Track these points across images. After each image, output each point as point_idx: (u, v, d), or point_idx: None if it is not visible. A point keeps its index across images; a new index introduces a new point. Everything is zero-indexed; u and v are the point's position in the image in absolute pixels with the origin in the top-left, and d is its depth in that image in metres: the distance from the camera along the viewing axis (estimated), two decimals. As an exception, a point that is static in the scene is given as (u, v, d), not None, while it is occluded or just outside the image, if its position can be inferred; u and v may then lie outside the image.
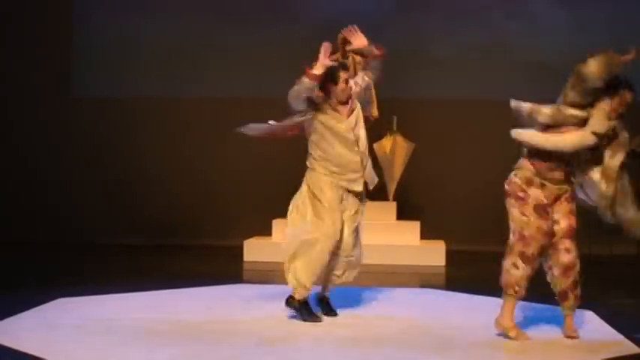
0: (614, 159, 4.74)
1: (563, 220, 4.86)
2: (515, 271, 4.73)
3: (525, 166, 4.84)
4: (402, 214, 8.76)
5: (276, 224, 8.30)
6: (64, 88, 9.94)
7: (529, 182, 4.80)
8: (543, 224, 4.73)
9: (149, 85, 9.78)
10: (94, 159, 9.79)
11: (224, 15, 9.77)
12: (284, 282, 5.55)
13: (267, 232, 8.46)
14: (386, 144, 8.71)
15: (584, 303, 5.68)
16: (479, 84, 9.39)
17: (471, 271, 7.18)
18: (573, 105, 4.75)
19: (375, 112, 8.76)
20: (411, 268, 7.93)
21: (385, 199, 8.85)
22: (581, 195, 4.94)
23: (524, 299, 5.01)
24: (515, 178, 4.84)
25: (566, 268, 4.84)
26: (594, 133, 4.70)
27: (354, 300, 5.99)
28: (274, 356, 4.34)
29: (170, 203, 9.57)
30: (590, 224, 8.50)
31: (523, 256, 4.72)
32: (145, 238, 9.37)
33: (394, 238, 8.36)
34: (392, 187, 8.82)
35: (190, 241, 9.28)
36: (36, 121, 9.90)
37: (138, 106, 9.72)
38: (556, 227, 4.83)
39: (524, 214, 4.75)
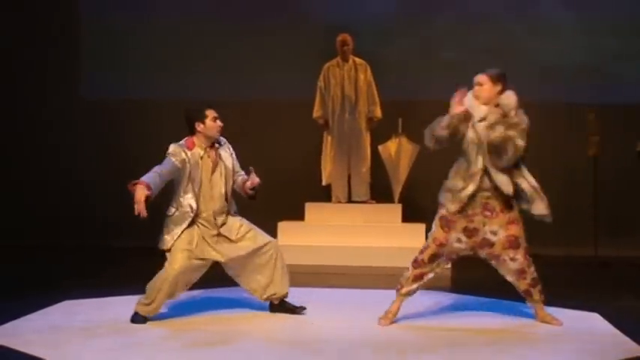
0: None
1: (501, 231, 5.04)
2: (405, 272, 5.20)
3: (443, 189, 5.18)
4: (408, 217, 8.75)
5: (281, 226, 8.34)
6: (74, 89, 9.95)
7: (454, 190, 5.06)
8: (440, 236, 5.07)
9: (163, 87, 9.73)
10: (102, 161, 9.78)
11: (234, 17, 9.77)
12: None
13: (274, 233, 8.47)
14: (391, 146, 8.71)
15: (590, 305, 5.69)
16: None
17: (477, 273, 7.14)
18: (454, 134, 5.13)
19: (378, 112, 8.78)
20: (417, 271, 7.89)
21: (391, 201, 8.86)
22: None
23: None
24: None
25: (519, 273, 5.08)
26: (482, 119, 5.04)
27: (359, 302, 5.99)
28: (277, 358, 4.35)
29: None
30: (596, 227, 8.53)
31: (415, 261, 5.16)
32: (155, 241, 9.34)
33: (400, 241, 8.35)
34: (397, 190, 8.82)
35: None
36: (44, 122, 9.90)
37: (153, 107, 9.67)
38: (495, 239, 5.03)
39: (432, 226, 5.15)
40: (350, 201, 8.91)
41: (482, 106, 5.03)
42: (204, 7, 9.84)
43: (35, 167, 9.88)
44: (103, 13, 9.95)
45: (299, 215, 8.81)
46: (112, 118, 9.79)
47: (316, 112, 8.84)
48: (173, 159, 5.14)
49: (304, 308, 5.43)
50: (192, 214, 5.16)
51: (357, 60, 8.80)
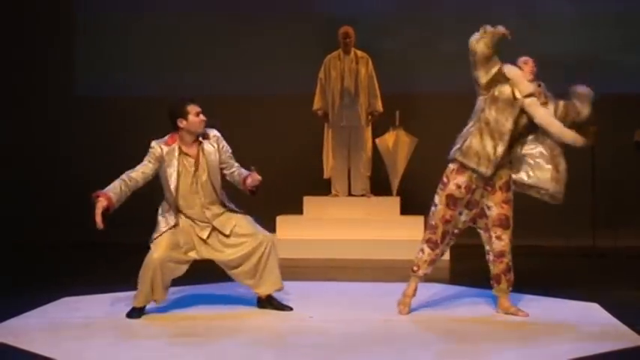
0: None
1: (495, 208, 5.08)
2: (420, 254, 5.18)
3: (467, 152, 5.05)
4: (406, 209, 8.75)
5: (280, 220, 8.32)
6: (70, 87, 9.93)
7: (459, 171, 5.05)
8: (447, 214, 5.07)
9: (161, 84, 9.69)
10: (99, 158, 9.73)
11: (231, 13, 9.75)
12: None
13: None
14: (389, 139, 8.70)
15: (590, 295, 5.69)
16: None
17: (475, 264, 7.13)
18: (489, 86, 5.26)
19: (379, 106, 8.76)
20: (416, 263, 7.90)
21: (389, 194, 8.85)
22: (525, 179, 5.09)
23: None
24: (451, 164, 5.13)
25: (499, 254, 5.10)
26: (530, 95, 5.03)
27: (358, 295, 5.99)
28: (276, 353, 4.35)
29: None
30: (594, 217, 8.53)
31: (429, 241, 5.14)
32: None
33: (398, 233, 8.35)
34: (395, 182, 8.81)
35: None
36: (39, 120, 9.89)
37: (150, 105, 9.62)
38: (488, 214, 5.09)
39: (435, 204, 5.10)
40: (349, 195, 8.90)
41: (528, 83, 5.09)
42: (201, 2, 9.81)
43: (32, 165, 9.85)
44: (98, 10, 9.92)
45: (297, 209, 8.81)
46: (108, 116, 9.77)
47: (316, 104, 8.81)
48: (146, 160, 5.16)
49: (291, 308, 5.35)
50: (173, 211, 5.15)
51: (359, 53, 8.76)
